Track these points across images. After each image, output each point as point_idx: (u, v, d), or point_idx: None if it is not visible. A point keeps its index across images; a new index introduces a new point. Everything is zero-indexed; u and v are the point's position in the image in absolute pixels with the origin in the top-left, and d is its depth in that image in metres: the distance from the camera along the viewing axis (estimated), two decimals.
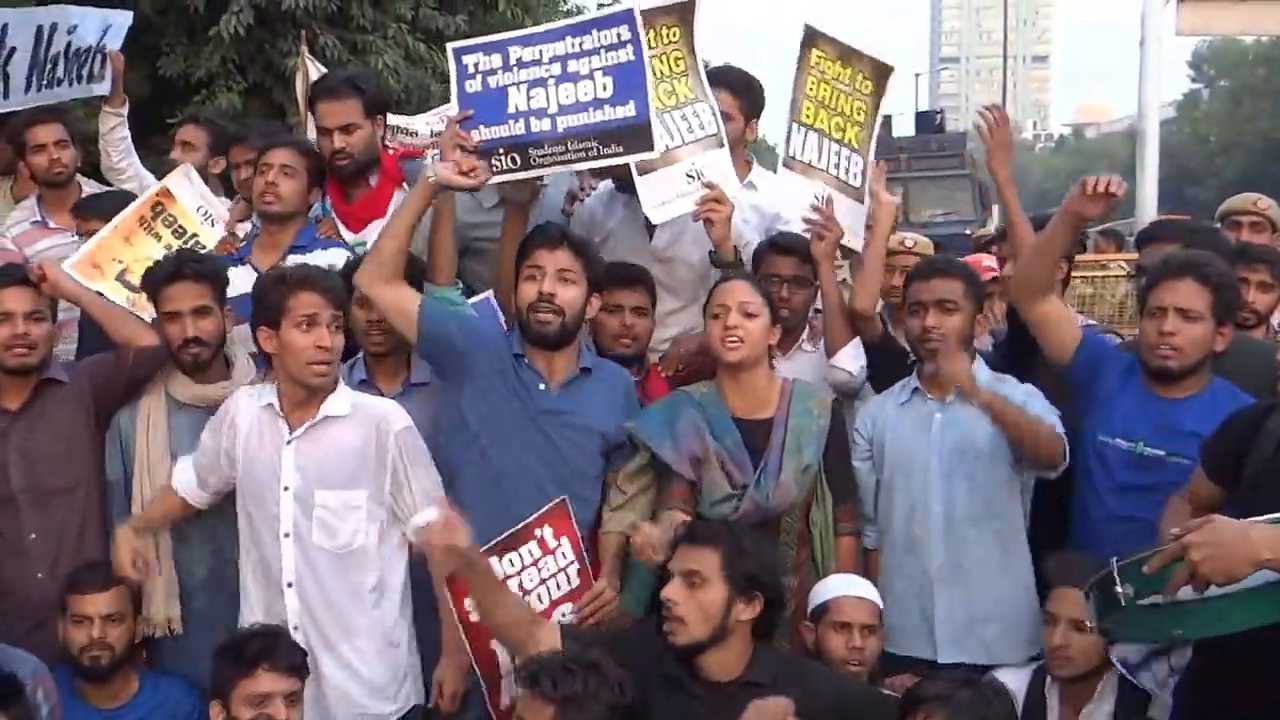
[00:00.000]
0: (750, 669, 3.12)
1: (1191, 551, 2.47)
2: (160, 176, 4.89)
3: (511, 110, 3.94)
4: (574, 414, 3.70)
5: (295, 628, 3.49)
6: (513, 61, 3.95)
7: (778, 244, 4.26)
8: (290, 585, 3.51)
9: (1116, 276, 7.74)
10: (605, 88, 3.91)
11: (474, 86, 3.97)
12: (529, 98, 3.94)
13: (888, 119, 9.30)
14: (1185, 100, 55.72)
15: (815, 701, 3.02)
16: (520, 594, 3.42)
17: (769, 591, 3.15)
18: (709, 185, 4.06)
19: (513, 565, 3.46)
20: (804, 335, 4.34)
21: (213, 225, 4.54)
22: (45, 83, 5.04)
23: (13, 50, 4.93)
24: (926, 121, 20.85)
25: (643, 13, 4.03)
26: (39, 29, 4.97)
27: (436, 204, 3.88)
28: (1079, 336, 3.74)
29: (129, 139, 5.40)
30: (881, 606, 3.60)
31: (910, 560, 3.82)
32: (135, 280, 4.14)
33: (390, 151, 4.53)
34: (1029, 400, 3.71)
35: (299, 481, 3.50)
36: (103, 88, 5.26)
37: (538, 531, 3.46)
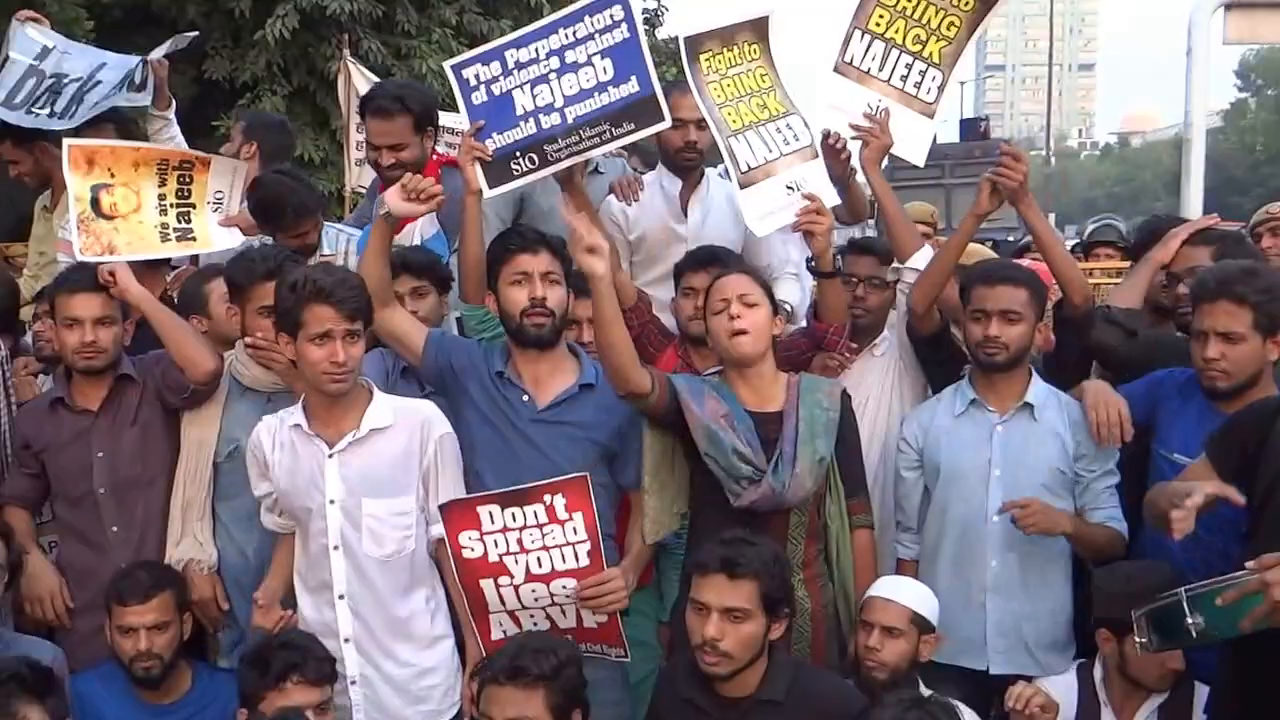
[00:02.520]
0: (765, 683, 3.15)
1: (1274, 590, 2.44)
2: None
3: (520, 112, 3.99)
4: (563, 422, 3.63)
5: (347, 640, 3.43)
6: (511, 65, 3.99)
7: (856, 244, 4.25)
8: (341, 598, 3.45)
9: None
10: (606, 70, 3.93)
11: (479, 98, 4.03)
12: (534, 96, 3.98)
13: None
14: (1232, 109, 55.16)
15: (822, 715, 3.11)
16: (519, 550, 3.38)
17: (790, 605, 3.21)
18: (809, 197, 4.03)
19: (514, 520, 3.36)
20: (878, 339, 4.28)
21: (214, 212, 4.53)
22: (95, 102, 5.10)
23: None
24: (971, 129, 20.72)
25: (721, 31, 4.07)
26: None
27: (464, 222, 3.94)
28: None
29: (178, 138, 5.42)
30: (920, 612, 3.51)
31: (961, 572, 3.77)
32: (108, 202, 4.22)
33: (435, 158, 4.50)
34: (1102, 492, 3.73)
35: (344, 493, 3.42)
36: (144, 98, 5.23)
37: (547, 497, 3.35)
